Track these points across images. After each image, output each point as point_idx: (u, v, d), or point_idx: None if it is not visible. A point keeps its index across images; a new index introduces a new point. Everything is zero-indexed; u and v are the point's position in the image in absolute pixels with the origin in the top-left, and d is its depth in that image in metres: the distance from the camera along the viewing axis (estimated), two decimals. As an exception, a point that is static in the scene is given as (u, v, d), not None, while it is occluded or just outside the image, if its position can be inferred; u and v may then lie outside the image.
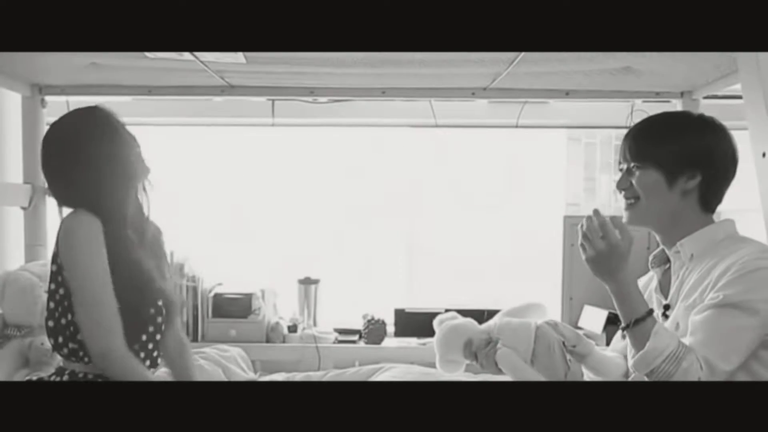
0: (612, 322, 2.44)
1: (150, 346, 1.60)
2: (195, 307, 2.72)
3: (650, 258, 1.58)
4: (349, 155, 3.25)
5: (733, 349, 1.30)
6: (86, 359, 1.51)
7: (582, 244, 1.39)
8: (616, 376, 1.60)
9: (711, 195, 1.46)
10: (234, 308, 2.72)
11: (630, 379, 1.52)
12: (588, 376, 1.66)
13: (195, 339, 2.71)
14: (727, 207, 1.52)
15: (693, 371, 1.28)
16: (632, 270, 1.38)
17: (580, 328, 2.83)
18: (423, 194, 3.31)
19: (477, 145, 3.26)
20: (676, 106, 2.56)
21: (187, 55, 2.06)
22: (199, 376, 2.18)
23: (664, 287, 1.53)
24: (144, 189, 1.63)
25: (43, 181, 1.68)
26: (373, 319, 2.79)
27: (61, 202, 1.58)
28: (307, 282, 2.86)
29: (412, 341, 2.76)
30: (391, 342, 2.79)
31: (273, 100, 2.86)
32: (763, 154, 1.62)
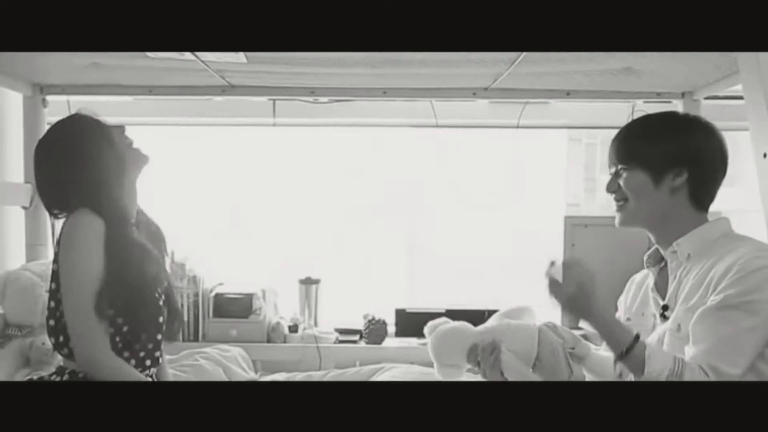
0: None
1: (150, 345, 1.60)
2: (196, 307, 2.72)
3: (645, 258, 1.58)
4: (350, 155, 3.26)
5: (740, 352, 1.29)
6: None
7: (551, 295, 1.43)
8: (613, 376, 1.60)
9: (701, 192, 1.46)
10: (235, 308, 2.72)
11: (628, 379, 1.51)
12: (586, 377, 1.66)
13: (196, 339, 2.72)
14: (730, 208, 1.52)
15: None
16: (606, 300, 1.42)
17: (579, 329, 2.83)
18: (423, 194, 3.31)
19: (477, 145, 3.26)
20: (677, 106, 2.56)
21: (188, 55, 2.06)
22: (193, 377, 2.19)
23: (660, 287, 1.53)
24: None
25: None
26: (373, 319, 2.79)
27: (56, 207, 1.59)
28: (307, 282, 2.86)
29: (413, 341, 2.76)
30: (391, 342, 2.79)
31: (274, 100, 2.86)
32: (764, 155, 1.61)
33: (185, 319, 2.67)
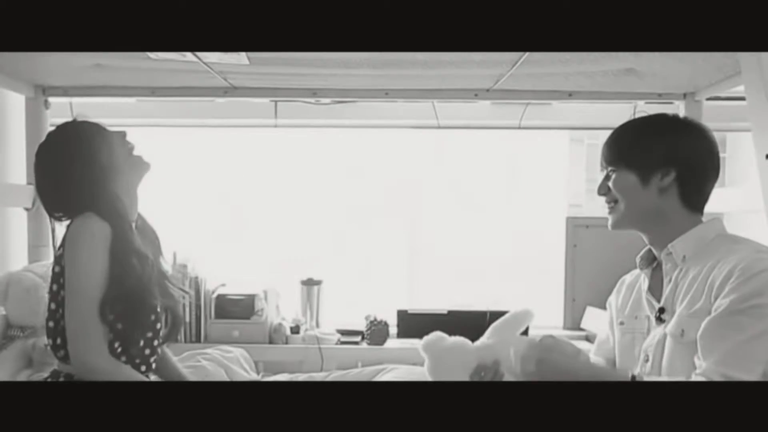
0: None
1: (147, 351, 1.60)
2: (198, 308, 2.73)
3: (638, 260, 1.57)
4: (352, 156, 3.26)
5: (753, 358, 1.27)
6: None
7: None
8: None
9: (692, 192, 1.45)
10: (237, 309, 2.72)
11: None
12: None
13: (198, 340, 2.71)
14: (732, 209, 1.52)
15: None
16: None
17: (582, 330, 2.84)
18: (425, 195, 3.32)
19: (478, 146, 3.27)
20: (679, 107, 2.56)
21: (190, 56, 2.06)
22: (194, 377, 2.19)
23: (654, 288, 1.51)
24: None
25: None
26: (375, 320, 2.79)
27: (57, 210, 1.59)
28: (309, 283, 2.86)
29: (415, 342, 2.75)
30: (393, 343, 2.78)
31: (276, 101, 2.86)
32: (766, 156, 1.61)
33: (187, 320, 2.67)
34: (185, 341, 2.67)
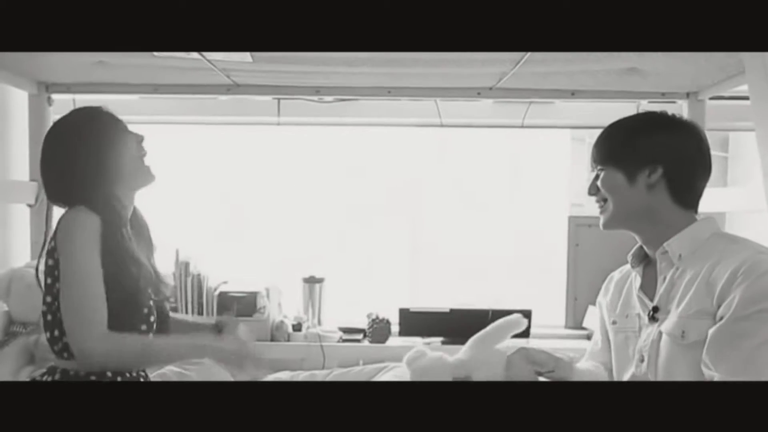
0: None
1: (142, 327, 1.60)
2: (200, 305, 2.73)
3: (629, 258, 1.56)
4: (354, 154, 3.26)
5: (764, 363, 1.25)
6: None
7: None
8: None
9: (682, 189, 1.45)
10: (239, 306, 2.73)
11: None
12: None
13: (200, 337, 2.71)
14: (735, 208, 1.52)
15: None
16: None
17: (584, 329, 2.84)
18: (427, 193, 3.32)
19: (481, 145, 3.27)
20: (682, 106, 2.56)
21: (193, 54, 2.06)
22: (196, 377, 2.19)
23: (647, 287, 1.50)
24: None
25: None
26: (377, 318, 2.79)
27: (57, 199, 1.59)
28: (311, 281, 2.87)
29: (417, 340, 2.76)
30: (395, 341, 2.79)
31: (279, 99, 2.86)
32: (770, 156, 1.62)
33: (189, 318, 2.67)
34: (188, 338, 2.67)
